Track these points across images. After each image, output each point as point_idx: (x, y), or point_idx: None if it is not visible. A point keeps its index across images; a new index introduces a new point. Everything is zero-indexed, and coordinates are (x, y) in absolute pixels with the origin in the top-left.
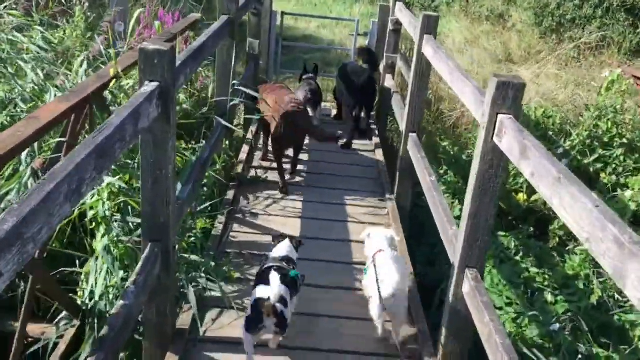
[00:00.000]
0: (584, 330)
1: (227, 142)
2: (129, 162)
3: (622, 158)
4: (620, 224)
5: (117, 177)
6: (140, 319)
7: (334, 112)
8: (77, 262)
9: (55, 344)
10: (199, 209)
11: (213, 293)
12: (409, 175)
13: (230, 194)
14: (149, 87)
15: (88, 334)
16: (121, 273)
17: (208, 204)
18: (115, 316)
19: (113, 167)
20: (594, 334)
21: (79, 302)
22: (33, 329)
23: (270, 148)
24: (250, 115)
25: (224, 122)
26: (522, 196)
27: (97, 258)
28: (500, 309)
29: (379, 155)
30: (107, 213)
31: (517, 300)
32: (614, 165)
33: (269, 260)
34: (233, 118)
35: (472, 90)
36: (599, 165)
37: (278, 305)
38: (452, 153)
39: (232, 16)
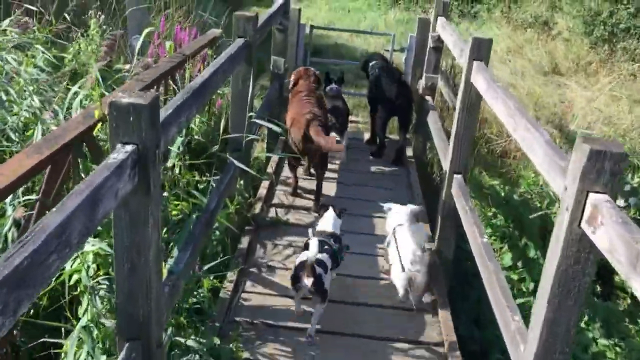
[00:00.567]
0: None
1: (242, 182)
2: None
3: None
4: None
5: (104, 241)
6: None
7: (367, 135)
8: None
9: None
10: (205, 267)
11: None
12: (452, 221)
13: (244, 242)
14: (121, 153)
15: None
16: None
17: (216, 262)
18: None
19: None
20: None
21: None
22: None
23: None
24: (270, 153)
25: (237, 163)
26: None
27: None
28: None
29: (416, 190)
30: (91, 282)
31: None
32: None
33: (315, 233)
34: (249, 155)
35: (545, 149)
36: None
37: (317, 268)
38: (502, 194)
39: (248, 39)
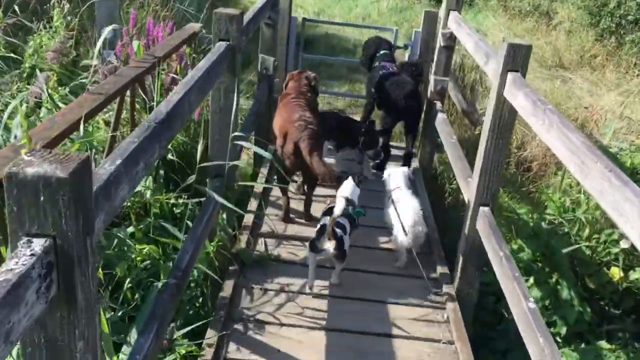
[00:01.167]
0: None
1: (225, 215)
2: None
3: None
4: None
5: None
6: None
7: None
8: None
9: None
10: (177, 334)
11: None
12: (477, 261)
13: (227, 288)
14: (24, 258)
15: None
16: None
17: (192, 326)
18: None
19: None
20: None
21: None
22: None
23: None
24: (252, 182)
25: (218, 199)
26: (616, 271)
27: None
28: None
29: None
30: None
31: None
32: None
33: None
34: (234, 179)
35: None
36: None
37: (338, 230)
38: (530, 223)
39: (232, 42)
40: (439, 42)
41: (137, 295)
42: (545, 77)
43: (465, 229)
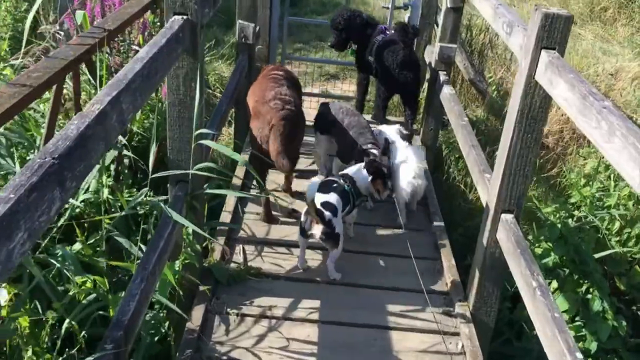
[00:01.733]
0: None
1: (191, 235)
2: None
3: None
4: None
5: None
6: None
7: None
8: None
9: None
10: None
11: None
12: (496, 278)
13: (196, 318)
14: None
15: None
16: None
17: None
18: None
19: None
20: None
21: None
22: None
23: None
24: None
25: (176, 217)
26: None
27: None
28: None
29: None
30: None
31: None
32: None
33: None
34: (200, 186)
35: None
36: None
37: (326, 213)
38: (558, 224)
39: (191, 17)
40: (446, 2)
41: (81, 336)
42: None
43: (482, 237)
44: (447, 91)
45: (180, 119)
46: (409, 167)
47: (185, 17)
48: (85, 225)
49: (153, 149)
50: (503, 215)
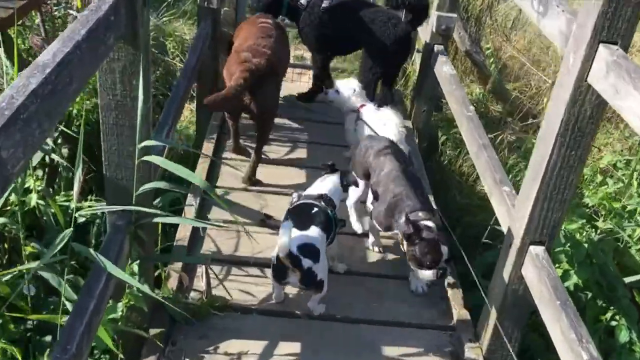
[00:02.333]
0: None
1: (137, 266)
2: None
3: None
4: None
5: None
6: None
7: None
8: None
9: None
10: None
11: None
12: (516, 316)
13: None
14: None
15: None
16: None
17: None
18: None
19: None
20: None
21: None
22: None
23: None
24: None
25: (110, 268)
26: None
27: None
28: None
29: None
30: None
31: None
32: None
33: (301, 197)
34: (151, 226)
35: None
36: None
37: (305, 261)
38: (584, 243)
39: None
40: None
41: None
42: None
43: (503, 270)
44: (445, 70)
45: (119, 127)
46: (391, 130)
47: None
48: (6, 246)
49: (78, 174)
50: (532, 248)
